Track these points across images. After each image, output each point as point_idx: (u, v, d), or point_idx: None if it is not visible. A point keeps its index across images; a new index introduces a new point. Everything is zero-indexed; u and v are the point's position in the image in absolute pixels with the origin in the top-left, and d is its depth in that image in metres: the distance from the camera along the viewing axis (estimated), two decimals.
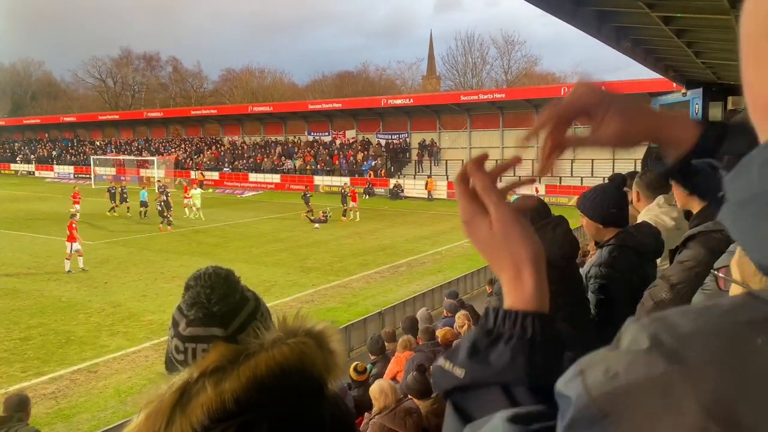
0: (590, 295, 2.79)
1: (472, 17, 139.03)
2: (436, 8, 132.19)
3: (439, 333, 6.25)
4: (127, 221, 27.92)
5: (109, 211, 29.73)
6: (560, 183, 34.42)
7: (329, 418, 1.13)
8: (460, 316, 6.64)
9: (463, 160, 41.03)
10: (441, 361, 0.70)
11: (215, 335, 1.11)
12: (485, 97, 40.96)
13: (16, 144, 67.52)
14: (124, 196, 30.65)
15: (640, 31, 14.96)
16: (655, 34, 14.74)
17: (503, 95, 40.77)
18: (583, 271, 2.92)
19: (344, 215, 29.05)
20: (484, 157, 0.83)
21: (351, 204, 29.42)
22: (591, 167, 35.39)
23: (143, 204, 27.98)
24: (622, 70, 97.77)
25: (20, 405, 4.86)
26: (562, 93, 37.28)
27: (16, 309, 13.29)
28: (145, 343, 11.22)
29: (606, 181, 3.22)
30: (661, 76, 17.23)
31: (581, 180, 33.73)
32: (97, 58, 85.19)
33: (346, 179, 41.79)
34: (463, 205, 0.79)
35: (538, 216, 2.66)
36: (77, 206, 26.00)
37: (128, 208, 29.77)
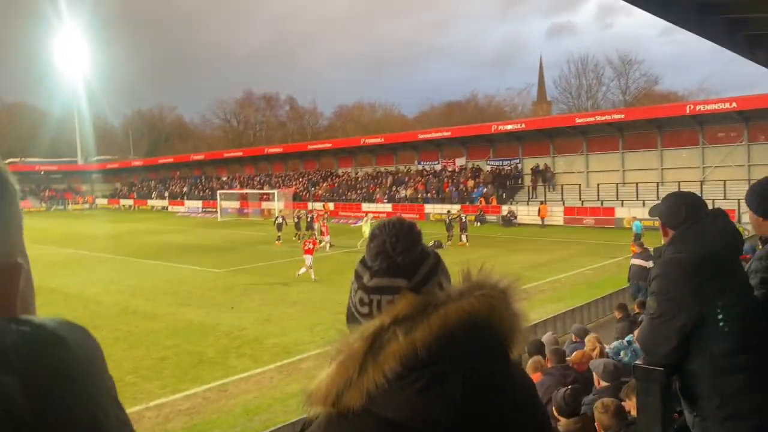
0: (756, 292, 2.58)
1: (585, 41, 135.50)
2: (547, 34, 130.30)
3: (572, 357, 5.94)
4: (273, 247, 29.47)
5: (295, 237, 31.76)
6: None
7: (519, 380, 1.07)
8: (591, 339, 6.28)
9: (580, 185, 39.60)
10: None
11: (399, 286, 1.09)
12: (602, 118, 39.34)
13: (152, 182, 73.92)
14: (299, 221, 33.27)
15: None
16: None
17: (622, 116, 38.90)
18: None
19: (449, 240, 28.88)
20: None
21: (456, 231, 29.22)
22: (723, 189, 32.81)
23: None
24: (757, 85, 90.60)
25: None
26: (688, 111, 35.08)
27: (155, 331, 14.31)
28: (269, 365, 11.62)
29: None
30: None
31: (713, 203, 31.26)
32: (223, 100, 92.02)
33: (457, 206, 41.57)
34: None
35: (694, 210, 2.49)
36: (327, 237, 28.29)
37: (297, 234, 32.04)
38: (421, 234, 1.20)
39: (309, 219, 33.41)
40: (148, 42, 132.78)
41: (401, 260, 1.12)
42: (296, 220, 33.64)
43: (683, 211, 2.54)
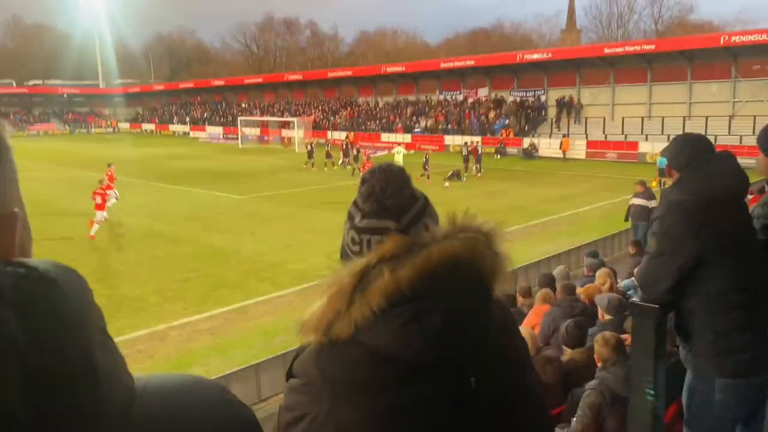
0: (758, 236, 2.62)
1: None
2: None
3: (581, 290, 6.07)
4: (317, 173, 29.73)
5: (305, 165, 32.62)
6: (715, 142, 31.44)
7: (500, 317, 1.16)
8: (602, 274, 6.38)
9: (604, 118, 38.77)
10: None
11: (388, 227, 1.17)
12: (632, 49, 38.00)
13: (173, 107, 73.87)
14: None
15: None
16: None
17: (653, 46, 37.49)
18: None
19: (466, 172, 28.69)
20: None
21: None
22: (753, 124, 31.92)
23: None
24: None
25: None
26: (722, 42, 33.69)
27: (178, 254, 14.75)
28: (288, 288, 11.99)
29: None
30: None
31: (740, 139, 30.55)
32: (243, 23, 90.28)
33: (477, 138, 41.14)
34: None
35: (699, 153, 2.51)
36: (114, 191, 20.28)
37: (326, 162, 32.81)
38: (410, 178, 1.27)
39: (345, 147, 34.34)
40: None
41: (390, 203, 1.19)
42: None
43: (687, 154, 2.56)
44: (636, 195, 13.75)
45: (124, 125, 75.68)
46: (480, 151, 30.08)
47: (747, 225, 2.60)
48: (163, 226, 18.15)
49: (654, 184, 27.82)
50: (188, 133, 65.14)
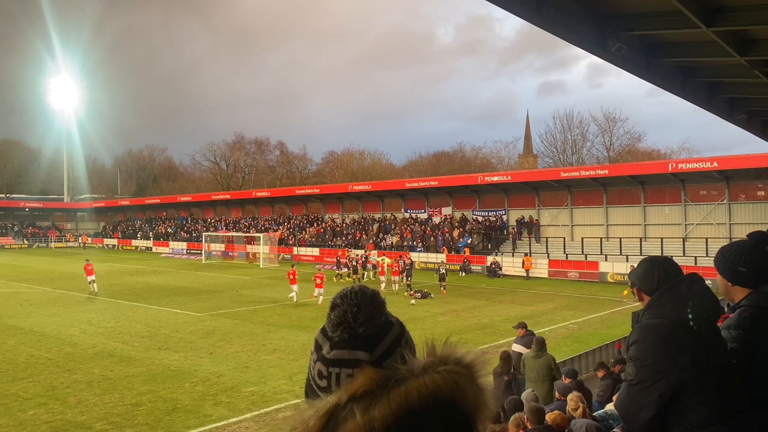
0: None
1: (573, 99, 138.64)
2: (538, 91, 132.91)
3: (549, 416, 5.83)
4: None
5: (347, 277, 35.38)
6: None
7: None
8: (573, 398, 6.17)
9: (564, 238, 39.86)
10: None
11: (360, 359, 1.05)
12: (587, 173, 39.98)
13: (138, 222, 73.42)
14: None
15: (756, 102, 14.27)
16: None
17: (606, 171, 39.57)
18: None
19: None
20: None
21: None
22: (705, 246, 33.17)
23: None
24: (736, 147, 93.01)
25: None
26: (670, 169, 35.76)
27: (130, 375, 13.95)
28: (246, 414, 11.33)
29: None
30: None
31: (695, 260, 31.59)
32: (214, 143, 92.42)
33: (442, 256, 41.69)
34: None
35: (668, 276, 2.50)
36: (92, 277, 28.63)
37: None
38: (384, 303, 1.16)
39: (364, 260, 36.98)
40: (142, 85, 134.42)
41: (363, 331, 1.08)
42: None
43: (657, 277, 2.55)
44: (516, 340, 12.14)
45: (86, 240, 74.47)
46: (443, 271, 30.87)
47: (723, 348, 2.55)
48: (116, 344, 17.32)
49: (626, 292, 28.36)
50: (151, 248, 64.33)
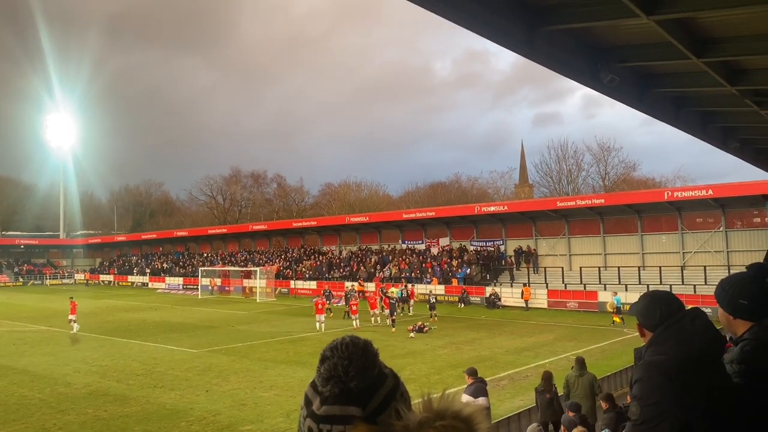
0: None
1: (567, 129, 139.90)
2: (534, 122, 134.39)
3: None
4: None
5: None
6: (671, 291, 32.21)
7: None
8: None
9: (563, 268, 39.72)
10: None
11: (353, 415, 1.00)
12: (583, 203, 40.06)
13: (134, 258, 73.07)
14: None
15: (749, 131, 14.39)
16: (766, 132, 14.04)
17: (602, 200, 39.68)
18: None
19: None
20: None
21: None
22: (704, 274, 33.08)
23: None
24: (731, 175, 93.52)
25: None
26: (666, 197, 35.87)
27: (124, 415, 13.67)
28: None
29: None
30: None
31: (694, 288, 31.45)
32: (210, 177, 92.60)
33: (441, 287, 41.51)
34: None
35: (669, 311, 2.44)
36: (73, 315, 28.08)
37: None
38: (377, 354, 1.10)
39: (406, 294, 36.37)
40: (140, 120, 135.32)
41: (355, 385, 1.03)
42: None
43: (659, 313, 2.50)
44: (466, 389, 10.62)
45: (81, 276, 73.99)
46: (432, 301, 32.21)
47: (729, 384, 2.48)
48: (110, 383, 17.03)
49: (617, 319, 28.24)
50: (147, 284, 63.89)
